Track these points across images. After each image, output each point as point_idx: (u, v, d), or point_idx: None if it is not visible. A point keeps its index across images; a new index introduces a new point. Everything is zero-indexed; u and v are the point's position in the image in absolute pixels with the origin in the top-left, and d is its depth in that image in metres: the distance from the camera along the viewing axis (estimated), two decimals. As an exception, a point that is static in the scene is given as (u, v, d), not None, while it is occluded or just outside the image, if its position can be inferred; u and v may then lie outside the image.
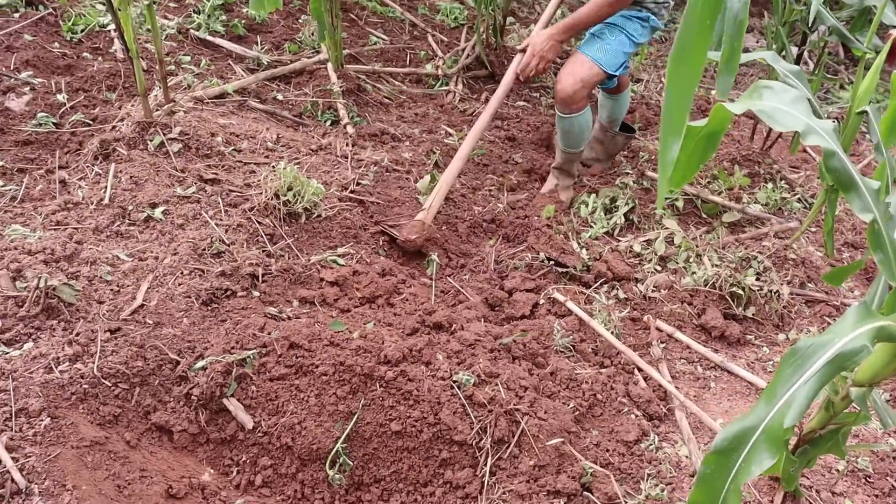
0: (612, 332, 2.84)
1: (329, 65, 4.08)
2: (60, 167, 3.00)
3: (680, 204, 3.72)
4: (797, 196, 3.89)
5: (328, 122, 3.82)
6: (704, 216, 3.74)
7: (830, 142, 1.70)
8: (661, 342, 2.88)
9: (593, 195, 3.62)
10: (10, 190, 2.85)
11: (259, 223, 2.88)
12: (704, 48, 1.30)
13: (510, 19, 5.47)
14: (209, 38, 4.14)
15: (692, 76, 1.29)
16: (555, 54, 3.33)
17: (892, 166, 1.92)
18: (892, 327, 1.50)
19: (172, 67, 3.76)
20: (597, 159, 3.97)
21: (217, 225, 2.80)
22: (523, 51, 3.39)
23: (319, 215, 3.03)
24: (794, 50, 4.13)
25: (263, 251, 2.80)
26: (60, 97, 3.35)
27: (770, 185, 3.90)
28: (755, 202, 3.84)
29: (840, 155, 1.71)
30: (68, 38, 3.79)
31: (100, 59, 3.70)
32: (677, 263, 3.29)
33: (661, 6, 3.39)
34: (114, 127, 3.19)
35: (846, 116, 3.07)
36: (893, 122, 2.08)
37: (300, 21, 4.59)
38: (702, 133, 1.77)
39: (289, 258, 2.83)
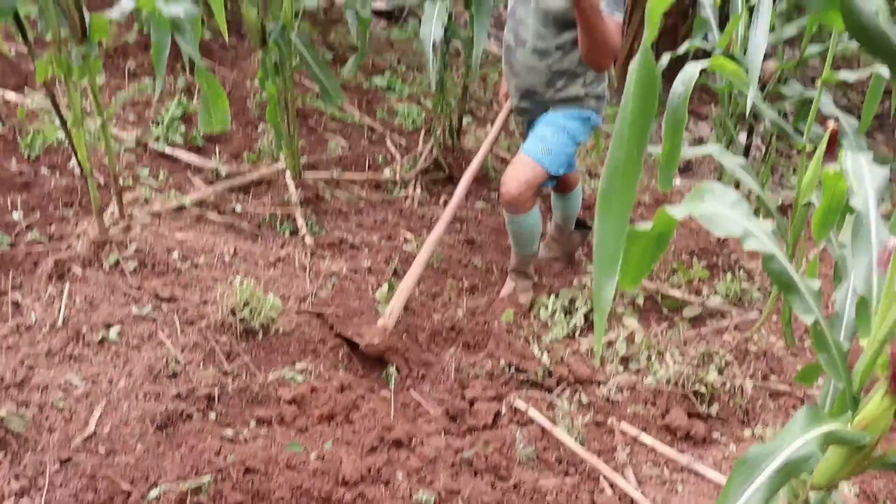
0: (576, 439, 2.82)
1: (287, 174, 4.10)
2: (13, 288, 2.97)
3: (640, 300, 3.75)
4: (757, 285, 3.93)
5: (287, 233, 3.82)
6: (665, 311, 3.76)
7: (769, 244, 1.72)
8: (626, 445, 2.86)
9: (553, 296, 3.63)
10: (-38, 314, 2.81)
11: (216, 341, 2.85)
12: (634, 180, 1.31)
13: (467, 119, 5.56)
14: (168, 150, 4.16)
15: (622, 212, 1.29)
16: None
17: (842, 263, 1.94)
18: (841, 431, 1.50)
19: (130, 182, 3.76)
20: (554, 258, 4.00)
21: (173, 344, 2.77)
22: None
23: (277, 330, 3.00)
24: (744, 138, 4.23)
25: (220, 370, 2.76)
26: (16, 215, 3.33)
27: (729, 276, 3.95)
28: (715, 293, 3.88)
29: (778, 258, 1.73)
30: (25, 156, 3.79)
31: (57, 175, 3.70)
32: (639, 363, 3.29)
33: (600, 102, 3.47)
34: (69, 245, 3.17)
35: (794, 207, 3.13)
36: (824, 218, 2.12)
37: (259, 130, 4.63)
38: (649, 236, 1.79)
39: (246, 377, 2.79)
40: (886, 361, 1.60)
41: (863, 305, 1.74)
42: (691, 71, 2.74)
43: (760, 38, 2.60)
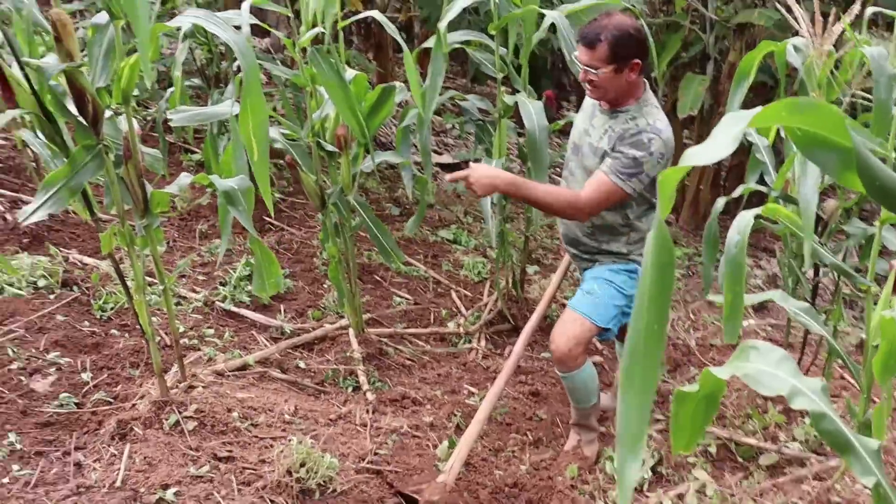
0: None
1: (350, 330, 4.15)
2: (77, 448, 3.01)
3: (713, 449, 3.62)
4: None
5: (349, 389, 3.83)
6: (740, 460, 3.62)
7: (819, 403, 1.66)
8: None
9: (620, 450, 3.52)
10: (25, 474, 2.84)
11: (272, 501, 2.82)
12: (657, 356, 1.27)
13: (533, 268, 5.59)
14: (234, 308, 4.26)
15: (646, 389, 1.25)
16: (484, 192, 3.30)
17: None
18: None
19: (196, 342, 3.84)
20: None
21: (229, 505, 2.75)
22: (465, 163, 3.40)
23: (335, 490, 2.96)
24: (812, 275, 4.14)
25: (275, 531, 2.73)
26: (85, 376, 3.41)
27: (808, 421, 3.78)
28: (793, 439, 3.73)
29: (831, 416, 1.66)
30: (98, 317, 3.91)
31: (126, 335, 3.80)
32: (712, 518, 3.15)
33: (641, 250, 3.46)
34: (133, 406, 3.23)
35: (864, 351, 3.01)
36: (885, 363, 2.04)
37: (324, 286, 4.71)
38: (698, 397, 1.74)
39: (302, 537, 2.75)
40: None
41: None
42: (746, 218, 2.73)
43: (810, 189, 2.57)
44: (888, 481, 1.66)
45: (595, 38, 3.11)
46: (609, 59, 3.12)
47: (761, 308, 5.94)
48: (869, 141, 2.93)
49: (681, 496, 3.27)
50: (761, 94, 6.75)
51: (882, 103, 2.91)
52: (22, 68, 2.49)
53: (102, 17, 2.59)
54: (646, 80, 3.32)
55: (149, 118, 5.73)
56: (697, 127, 7.32)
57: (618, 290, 3.36)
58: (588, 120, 3.40)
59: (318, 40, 3.53)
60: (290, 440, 3.11)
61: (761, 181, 3.87)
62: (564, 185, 3.54)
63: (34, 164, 4.73)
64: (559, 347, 3.32)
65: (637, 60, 3.16)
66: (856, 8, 3.12)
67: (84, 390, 3.34)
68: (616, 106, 3.28)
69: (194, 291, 4.34)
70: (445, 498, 3.00)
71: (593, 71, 3.15)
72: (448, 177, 3.41)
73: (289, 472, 2.90)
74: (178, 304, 4.18)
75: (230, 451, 3.03)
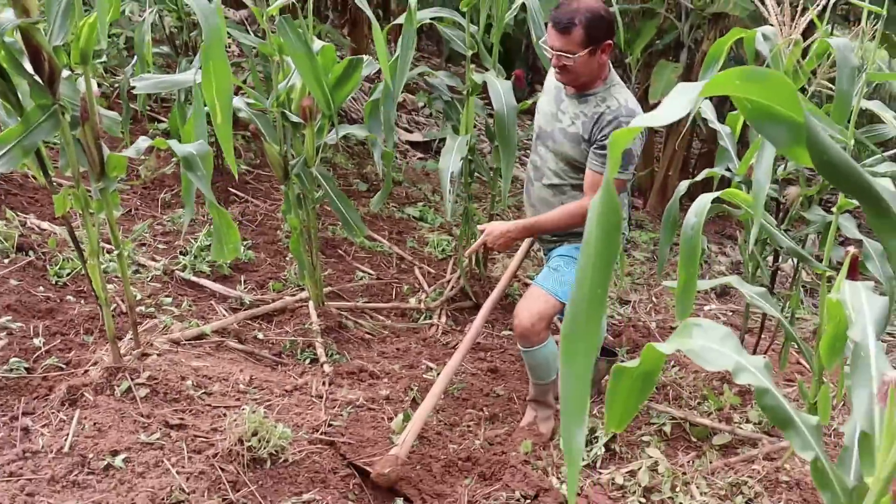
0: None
1: (310, 303, 4.13)
2: (25, 413, 2.97)
3: (668, 428, 3.66)
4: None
5: (307, 361, 3.82)
6: (694, 440, 3.66)
7: (762, 378, 1.67)
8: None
9: (574, 428, 3.54)
10: (-29, 439, 2.81)
11: (222, 469, 2.81)
12: (598, 322, 1.26)
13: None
14: (193, 278, 4.23)
15: (587, 354, 1.23)
16: (505, 248, 3.46)
17: (849, 395, 1.87)
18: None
19: (153, 310, 3.81)
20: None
21: (178, 473, 2.73)
22: (480, 231, 3.48)
23: (286, 460, 2.95)
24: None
25: (224, 500, 2.71)
26: (37, 341, 3.37)
27: (762, 402, 3.83)
28: (747, 421, 3.77)
29: (773, 392, 1.68)
30: (53, 282, 3.86)
31: (82, 301, 3.76)
32: (662, 494, 3.18)
33: None
34: (85, 371, 3.19)
35: (817, 336, 3.05)
36: (832, 346, 2.06)
37: (286, 259, 4.69)
38: (636, 373, 1.75)
39: (251, 506, 2.74)
40: (890, 501, 1.52)
41: (865, 441, 1.66)
42: (704, 201, 2.75)
43: (763, 171, 2.60)
44: (827, 456, 1.68)
45: (569, 23, 3.09)
46: (584, 42, 3.11)
47: (724, 294, 6.00)
48: (829, 128, 2.97)
49: (633, 473, 3.30)
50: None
51: (844, 93, 2.94)
52: (-26, 23, 2.44)
53: (62, -27, 2.54)
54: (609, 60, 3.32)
55: (115, 85, 5.64)
56: (667, 113, 7.33)
57: None
58: (555, 104, 3.40)
59: (290, 11, 3.50)
60: (243, 409, 3.09)
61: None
62: (531, 170, 3.55)
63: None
64: (522, 322, 3.33)
65: (609, 41, 3.16)
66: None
67: (35, 355, 3.30)
68: (584, 89, 3.28)
69: (154, 260, 4.30)
70: (397, 470, 3.00)
71: (569, 56, 3.14)
72: (467, 252, 3.65)
73: (240, 441, 2.89)
74: (137, 272, 4.14)
75: (182, 419, 3.01)
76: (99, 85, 5.62)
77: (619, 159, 1.21)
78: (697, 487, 3.21)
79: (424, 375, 3.86)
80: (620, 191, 3.26)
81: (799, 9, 3.23)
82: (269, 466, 2.92)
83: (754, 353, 4.25)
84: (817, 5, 3.10)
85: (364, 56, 3.78)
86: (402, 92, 7.87)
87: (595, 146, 3.22)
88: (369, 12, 3.43)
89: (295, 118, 3.64)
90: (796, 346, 3.67)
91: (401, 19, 3.84)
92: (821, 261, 3.14)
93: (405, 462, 3.06)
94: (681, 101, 1.18)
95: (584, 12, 3.09)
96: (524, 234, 3.45)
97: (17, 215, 4.25)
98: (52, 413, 2.95)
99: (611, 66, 3.31)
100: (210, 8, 2.38)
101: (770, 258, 4.19)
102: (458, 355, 3.40)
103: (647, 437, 3.58)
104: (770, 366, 1.75)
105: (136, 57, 4.31)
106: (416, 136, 7.62)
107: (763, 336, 4.50)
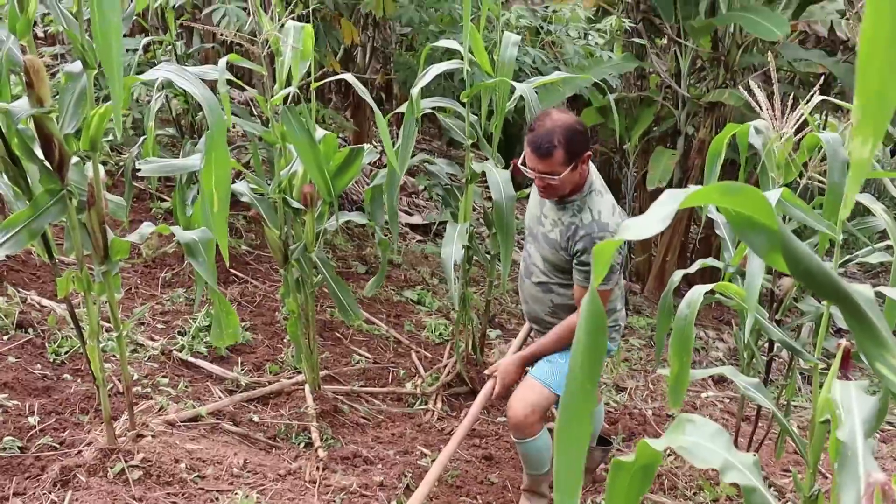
0: None
1: (306, 386, 4.14)
2: (16, 493, 2.96)
3: (663, 524, 3.64)
4: (788, 503, 3.79)
5: (301, 445, 3.81)
6: (690, 534, 3.64)
7: (750, 477, 1.69)
8: None
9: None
10: (-39, 520, 2.80)
11: (212, 556, 2.80)
12: (588, 412, 1.34)
13: (495, 332, 5.63)
14: (191, 359, 4.25)
15: (579, 442, 1.31)
16: (518, 376, 3.48)
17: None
18: None
19: (149, 390, 3.82)
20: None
21: (168, 558, 2.72)
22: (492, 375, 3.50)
23: (277, 547, 2.94)
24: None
25: (214, 587, 2.70)
26: (32, 419, 3.38)
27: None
28: (743, 514, 3.74)
29: (761, 491, 1.70)
30: (51, 360, 3.89)
31: (78, 380, 3.78)
32: None
33: (612, 330, 3.51)
34: (79, 452, 3.19)
35: (811, 427, 3.05)
36: (836, 445, 2.07)
37: (284, 341, 4.71)
38: (634, 468, 1.77)
39: None
40: None
41: (854, 542, 1.67)
42: (696, 293, 2.78)
43: (755, 266, 2.64)
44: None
45: (550, 146, 3.12)
46: (566, 161, 3.14)
47: (721, 380, 5.99)
48: (818, 223, 3.02)
49: (626, 568, 3.26)
50: (730, 172, 6.90)
51: (835, 186, 3.00)
52: (-11, 111, 2.52)
53: (77, 65, 2.63)
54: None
55: (121, 164, 5.74)
56: (665, 201, 7.43)
57: None
58: (539, 207, 3.47)
59: (293, 99, 3.59)
60: (235, 494, 3.08)
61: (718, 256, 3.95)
62: (523, 266, 3.61)
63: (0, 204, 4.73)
64: (516, 414, 3.34)
65: (588, 152, 3.21)
66: (815, 96, 3.22)
67: (30, 434, 3.31)
68: (564, 198, 3.33)
69: (152, 339, 4.32)
70: None
71: (552, 178, 3.18)
72: (493, 397, 3.61)
73: (231, 527, 2.88)
74: (134, 351, 4.16)
75: (174, 503, 3.00)
76: (104, 163, 5.73)
77: (604, 270, 1.27)
78: (694, 582, 3.18)
79: (419, 462, 3.85)
80: (605, 300, 3.30)
81: (789, 104, 3.31)
82: (260, 554, 2.91)
83: (750, 441, 4.25)
84: (807, 101, 3.19)
85: (365, 145, 3.86)
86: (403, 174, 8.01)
87: (576, 262, 3.27)
88: (371, 102, 3.52)
89: (296, 204, 3.70)
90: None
91: (403, 108, 3.93)
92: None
93: None
94: (662, 213, 1.23)
95: (561, 132, 3.11)
96: (532, 360, 3.49)
97: (19, 292, 4.29)
98: (44, 494, 2.94)
99: (591, 169, 3.34)
100: (215, 101, 2.45)
101: (766, 346, 4.22)
102: (454, 442, 3.40)
103: (641, 529, 3.55)
104: (758, 463, 1.77)
105: (142, 138, 4.41)
106: (416, 219, 7.71)
107: (760, 424, 4.49)
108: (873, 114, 0.86)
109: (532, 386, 3.36)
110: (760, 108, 3.33)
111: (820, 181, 3.37)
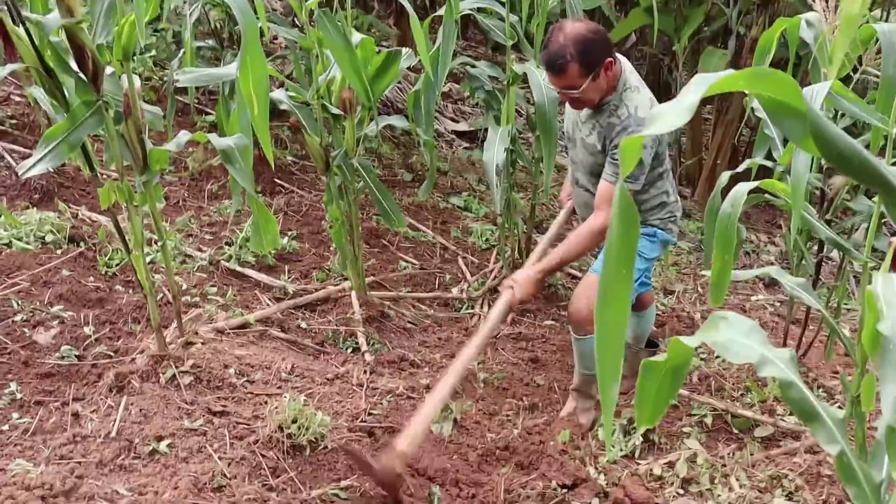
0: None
1: (353, 292, 4.18)
2: (75, 399, 3.07)
3: (709, 420, 3.64)
4: (837, 403, 3.77)
5: (349, 350, 3.87)
6: (735, 431, 3.64)
7: (787, 371, 1.67)
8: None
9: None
10: (24, 423, 2.91)
11: (263, 456, 2.88)
12: (626, 294, 1.37)
13: (539, 237, 5.61)
14: (238, 268, 4.31)
15: (619, 320, 1.37)
16: (537, 290, 3.36)
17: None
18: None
19: (198, 299, 3.89)
20: (623, 376, 3.91)
21: (220, 458, 2.81)
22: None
23: (325, 447, 3.01)
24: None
25: (264, 485, 2.78)
26: (87, 329, 3.47)
27: (808, 394, 3.79)
28: (790, 414, 3.73)
29: (798, 385, 1.68)
30: (103, 273, 3.97)
31: (130, 291, 3.86)
32: (700, 486, 3.17)
33: (667, 221, 3.46)
34: (132, 360, 3.28)
35: (860, 327, 3.00)
36: (873, 338, 2.04)
37: (330, 248, 4.75)
38: (665, 368, 1.77)
39: (290, 492, 2.80)
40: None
41: (892, 435, 1.65)
42: (741, 191, 2.73)
43: (802, 162, 2.56)
44: (851, 450, 1.67)
45: (563, 62, 3.06)
46: (583, 73, 3.08)
47: (772, 283, 5.92)
48: (871, 116, 2.92)
49: (671, 464, 3.29)
50: (783, 68, 6.68)
51: (889, 79, 2.88)
52: (22, 23, 2.52)
53: (104, -26, 2.61)
54: (620, 58, 3.26)
55: (164, 78, 5.75)
56: (717, 101, 7.27)
57: (639, 254, 3.35)
58: (576, 112, 3.39)
59: (328, 3, 3.54)
60: (284, 397, 3.15)
61: (770, 156, 3.84)
62: (571, 169, 3.56)
63: (46, 120, 4.78)
64: (580, 310, 3.33)
65: (609, 58, 3.12)
66: (870, -18, 3.08)
67: (85, 343, 3.41)
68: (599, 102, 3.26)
69: (200, 250, 4.39)
70: (396, 465, 2.75)
71: (573, 92, 3.13)
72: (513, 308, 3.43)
73: (280, 428, 2.95)
74: (183, 262, 4.23)
75: (224, 406, 3.09)
76: (148, 79, 5.76)
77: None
78: (737, 479, 3.18)
79: (465, 365, 3.89)
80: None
81: (845, -6, 3.17)
82: (309, 453, 2.98)
83: (799, 343, 4.21)
84: (864, -10, 3.05)
85: (403, 48, 3.81)
86: (448, 81, 7.90)
87: (609, 157, 3.21)
88: (406, 3, 3.45)
89: (335, 110, 3.68)
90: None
91: (442, 10, 3.86)
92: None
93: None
94: (687, 101, 1.19)
95: (573, 44, 3.05)
96: (546, 273, 3.38)
97: (70, 207, 4.37)
98: (101, 399, 3.05)
99: (623, 67, 3.25)
100: (245, 4, 2.43)
101: (816, 248, 4.14)
102: (471, 352, 3.17)
103: (687, 429, 3.56)
104: (795, 358, 1.75)
105: (182, 51, 4.40)
106: (462, 126, 7.63)
107: (811, 327, 4.44)
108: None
109: (594, 282, 3.33)
110: None
111: (875, 75, 3.25)
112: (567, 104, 3.47)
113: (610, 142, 3.19)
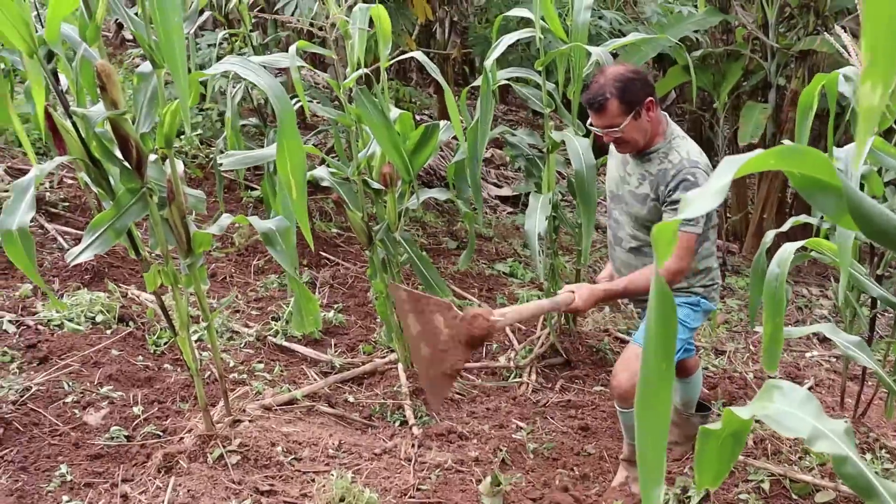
0: None
1: (399, 364, 4.18)
2: (124, 480, 3.09)
3: (766, 485, 3.54)
4: (901, 467, 3.66)
5: (396, 423, 3.86)
6: (795, 497, 3.53)
7: (841, 445, 1.62)
8: None
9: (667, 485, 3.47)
10: (74, 506, 2.93)
11: (310, 536, 2.86)
12: (668, 393, 1.32)
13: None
14: (285, 343, 4.34)
15: (660, 422, 1.29)
16: (593, 305, 3.20)
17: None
18: None
19: (245, 376, 3.92)
20: (675, 443, 3.84)
21: (268, 539, 2.79)
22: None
23: (373, 525, 2.99)
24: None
25: (314, 566, 2.76)
26: (136, 409, 3.51)
27: (868, 457, 3.68)
28: (853, 479, 3.61)
29: (853, 460, 1.62)
30: (152, 352, 4.02)
31: (178, 370, 3.90)
32: (760, 560, 3.08)
33: (709, 289, 3.42)
34: (180, 439, 3.30)
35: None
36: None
37: (376, 321, 4.76)
38: (723, 435, 1.73)
39: (339, 572, 2.77)
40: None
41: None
42: (787, 251, 2.69)
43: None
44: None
45: (602, 100, 3.10)
46: (624, 111, 3.10)
47: (827, 339, 5.79)
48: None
49: (729, 534, 3.21)
50: (826, 121, 6.63)
51: (932, 134, 2.85)
52: (70, 117, 2.60)
53: (146, 66, 2.70)
54: (665, 113, 3.29)
55: (210, 156, 5.88)
56: (760, 156, 7.22)
57: (681, 323, 3.31)
58: (622, 167, 3.39)
59: (366, 80, 3.60)
60: (331, 474, 3.14)
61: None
62: (611, 235, 3.53)
63: (97, 202, 4.90)
64: (622, 383, 3.29)
65: (650, 98, 3.14)
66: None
67: (135, 423, 3.43)
68: (645, 149, 3.26)
69: (247, 326, 4.43)
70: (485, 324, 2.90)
71: (615, 131, 3.14)
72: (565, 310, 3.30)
73: (328, 507, 2.94)
74: (231, 338, 4.27)
75: (272, 485, 3.08)
76: (195, 157, 5.88)
77: (668, 251, 1.23)
78: (799, 548, 3.10)
79: (514, 435, 3.85)
80: (693, 244, 3.18)
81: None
82: (357, 532, 2.96)
83: (857, 401, 4.10)
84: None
85: (442, 121, 3.86)
86: (490, 147, 7.96)
87: (666, 205, 3.18)
88: (440, 78, 3.51)
89: (376, 185, 3.73)
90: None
91: (479, 81, 3.91)
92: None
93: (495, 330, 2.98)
94: (717, 185, 1.17)
95: (612, 83, 3.09)
96: (611, 300, 3.37)
97: (119, 287, 4.45)
98: (149, 480, 3.06)
99: (668, 119, 3.28)
100: (281, 89, 2.48)
101: (870, 301, 4.05)
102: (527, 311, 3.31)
103: (744, 496, 3.47)
104: (851, 431, 1.69)
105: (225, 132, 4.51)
106: (506, 191, 7.68)
107: (870, 383, 4.33)
108: (884, 56, 0.80)
109: (637, 354, 3.29)
110: (849, 53, 3.19)
111: (918, 128, 3.20)
112: (609, 160, 3.46)
113: (666, 186, 3.17)
